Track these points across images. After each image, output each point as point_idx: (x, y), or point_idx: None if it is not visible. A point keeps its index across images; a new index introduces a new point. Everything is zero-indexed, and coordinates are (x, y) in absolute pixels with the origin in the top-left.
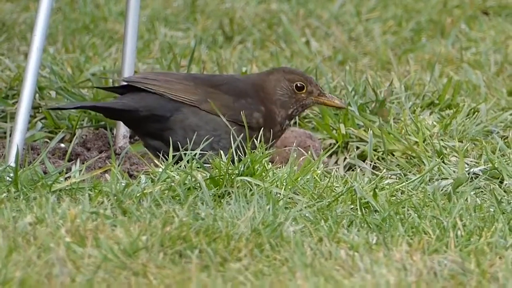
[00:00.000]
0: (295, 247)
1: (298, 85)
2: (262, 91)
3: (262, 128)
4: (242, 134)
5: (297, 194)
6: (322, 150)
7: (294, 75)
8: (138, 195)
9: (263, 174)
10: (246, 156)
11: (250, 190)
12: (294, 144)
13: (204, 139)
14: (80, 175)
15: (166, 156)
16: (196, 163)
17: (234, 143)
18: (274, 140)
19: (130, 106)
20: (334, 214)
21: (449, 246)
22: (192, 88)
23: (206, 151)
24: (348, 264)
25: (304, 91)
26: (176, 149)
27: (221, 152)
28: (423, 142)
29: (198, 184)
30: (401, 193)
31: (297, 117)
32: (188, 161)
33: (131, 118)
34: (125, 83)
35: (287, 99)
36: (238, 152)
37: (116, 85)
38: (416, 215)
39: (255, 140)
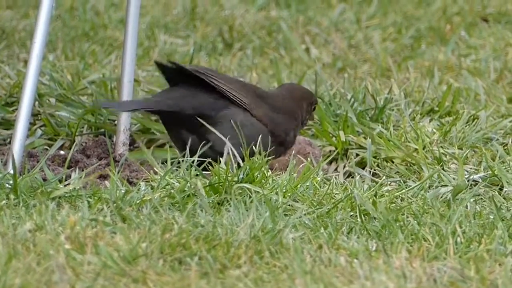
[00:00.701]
0: (294, 254)
1: (313, 107)
2: (294, 111)
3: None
4: (274, 147)
5: (297, 201)
6: (321, 157)
7: (314, 99)
8: (137, 202)
9: (263, 181)
10: (245, 163)
11: (250, 197)
12: (294, 151)
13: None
14: (76, 180)
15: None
16: (195, 170)
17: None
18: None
19: (182, 107)
20: (333, 221)
21: (448, 253)
22: (244, 92)
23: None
24: (347, 271)
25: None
26: (219, 145)
27: (221, 159)
28: (423, 149)
29: (198, 191)
30: (401, 200)
31: None
32: (187, 168)
33: (178, 117)
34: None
35: (305, 120)
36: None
37: (170, 65)
38: (415, 222)
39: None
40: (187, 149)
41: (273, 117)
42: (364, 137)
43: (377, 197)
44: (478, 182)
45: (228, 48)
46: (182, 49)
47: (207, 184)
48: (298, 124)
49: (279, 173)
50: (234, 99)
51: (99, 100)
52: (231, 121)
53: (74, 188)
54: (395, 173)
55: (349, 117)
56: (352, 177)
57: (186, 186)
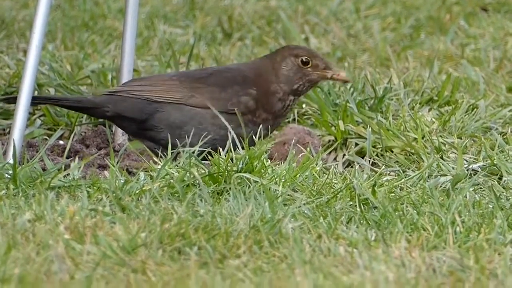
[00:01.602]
0: (294, 243)
1: (304, 59)
2: (264, 72)
3: (255, 110)
4: (232, 124)
5: (296, 191)
6: (321, 147)
7: (299, 50)
8: (137, 192)
9: (262, 170)
10: (244, 153)
11: (249, 187)
12: (293, 140)
13: (191, 134)
14: (75, 169)
15: (165, 154)
16: (195, 160)
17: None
18: (278, 119)
19: (97, 103)
20: (333, 210)
21: (448, 242)
22: (176, 87)
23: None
24: (347, 260)
25: (309, 65)
26: (165, 147)
27: (219, 148)
28: (422, 138)
29: (197, 181)
30: (400, 190)
31: (295, 114)
32: (186, 158)
33: (101, 115)
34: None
35: (293, 74)
36: (234, 141)
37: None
38: (415, 211)
39: (250, 122)
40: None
41: (216, 95)
42: (364, 127)
43: (377, 186)
44: (477, 171)
45: (227, 38)
46: (182, 39)
47: (207, 174)
48: (278, 82)
49: (278, 162)
50: (163, 100)
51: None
52: (165, 121)
53: (74, 178)
54: (394, 162)
55: (349, 106)
56: (352, 167)
57: (186, 176)
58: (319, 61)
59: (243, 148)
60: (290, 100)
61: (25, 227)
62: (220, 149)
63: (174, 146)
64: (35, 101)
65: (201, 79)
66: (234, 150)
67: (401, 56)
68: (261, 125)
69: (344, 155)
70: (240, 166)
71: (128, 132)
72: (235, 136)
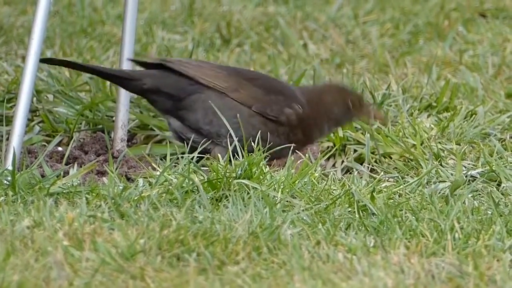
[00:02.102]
0: (292, 250)
1: (352, 101)
2: (314, 102)
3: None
4: (264, 127)
5: (295, 197)
6: (319, 153)
7: (352, 96)
8: (135, 198)
9: (261, 177)
10: (243, 159)
11: (248, 193)
12: (292, 147)
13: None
14: (72, 176)
15: (189, 142)
16: (194, 166)
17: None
18: (308, 144)
19: (134, 76)
20: (331, 217)
21: (446, 248)
22: (224, 76)
23: (224, 136)
24: (346, 267)
25: (354, 106)
26: (194, 129)
27: (219, 155)
28: (421, 145)
29: (196, 187)
30: (399, 196)
31: None
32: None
33: (136, 89)
34: (158, 63)
35: (341, 116)
36: (259, 144)
37: (149, 61)
38: (413, 218)
39: (283, 135)
40: (188, 142)
41: (259, 96)
42: (362, 133)
43: (375, 193)
44: (476, 177)
45: (226, 44)
46: (180, 45)
47: (205, 180)
48: (327, 120)
49: (277, 169)
50: (206, 83)
51: None
52: (202, 103)
53: (72, 185)
54: (393, 168)
55: None
56: (350, 173)
57: (185, 182)
58: (361, 102)
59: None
60: (327, 131)
61: (24, 234)
62: (219, 155)
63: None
64: (70, 65)
65: (249, 78)
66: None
67: (399, 62)
68: (292, 144)
69: (342, 161)
70: (239, 172)
71: (159, 107)
72: (261, 141)
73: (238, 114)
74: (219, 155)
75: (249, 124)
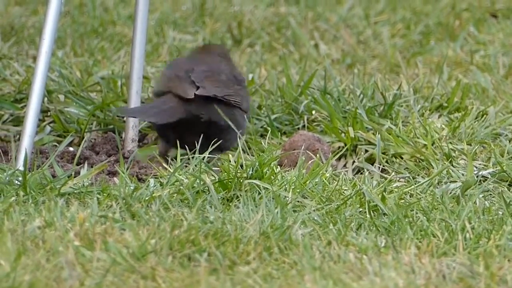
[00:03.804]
0: (303, 250)
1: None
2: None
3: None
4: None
5: (306, 197)
6: (330, 153)
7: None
8: (146, 198)
9: (272, 177)
10: (254, 159)
11: (259, 193)
12: (303, 147)
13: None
14: (84, 176)
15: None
16: (205, 166)
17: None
18: None
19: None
20: (342, 217)
21: (457, 249)
22: (235, 90)
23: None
24: (357, 267)
25: None
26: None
27: (230, 155)
28: (432, 145)
29: (207, 188)
30: (410, 196)
31: (305, 121)
32: (196, 165)
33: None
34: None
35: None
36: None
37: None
38: (424, 218)
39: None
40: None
41: (243, 94)
42: (373, 133)
43: (386, 193)
44: (487, 178)
45: (237, 44)
46: (191, 45)
47: (217, 180)
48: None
49: (288, 169)
50: (238, 105)
51: (123, 109)
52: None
53: (84, 185)
54: (404, 169)
55: (359, 113)
56: (361, 173)
57: (196, 182)
58: None
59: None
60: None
61: (35, 234)
62: (231, 155)
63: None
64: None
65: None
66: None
67: (410, 62)
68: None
69: (353, 161)
70: (250, 172)
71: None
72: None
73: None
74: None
75: (244, 125)
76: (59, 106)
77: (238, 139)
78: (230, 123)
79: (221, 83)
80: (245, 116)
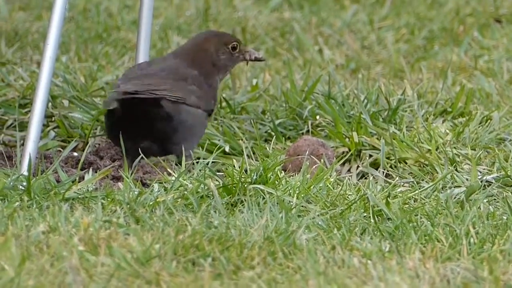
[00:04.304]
0: (308, 255)
1: (234, 45)
2: (201, 62)
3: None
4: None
5: (310, 202)
6: (334, 158)
7: (226, 37)
8: (151, 203)
9: (276, 182)
10: (258, 164)
11: (263, 198)
12: (307, 152)
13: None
14: (88, 181)
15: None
16: (209, 171)
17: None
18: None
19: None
20: (347, 222)
21: (462, 253)
22: (177, 86)
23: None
24: (361, 272)
25: (237, 50)
26: (177, 150)
27: (234, 160)
28: (436, 150)
29: (211, 193)
30: (414, 201)
31: (309, 126)
32: (200, 170)
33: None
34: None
35: (228, 62)
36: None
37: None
38: (429, 223)
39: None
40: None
41: (200, 93)
42: (377, 138)
43: (391, 198)
44: (491, 182)
45: None
46: None
47: (221, 185)
48: (216, 72)
49: (292, 174)
50: (177, 99)
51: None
52: (186, 126)
53: (88, 190)
54: (408, 174)
55: (363, 118)
56: (365, 178)
57: (200, 187)
58: (241, 44)
59: None
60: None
61: (39, 239)
62: (235, 160)
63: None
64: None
65: (181, 77)
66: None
67: (414, 67)
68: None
69: (358, 166)
70: (254, 177)
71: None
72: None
73: (201, 122)
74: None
75: (203, 126)
76: (63, 111)
77: (191, 141)
78: (155, 95)
79: (160, 81)
80: (204, 115)
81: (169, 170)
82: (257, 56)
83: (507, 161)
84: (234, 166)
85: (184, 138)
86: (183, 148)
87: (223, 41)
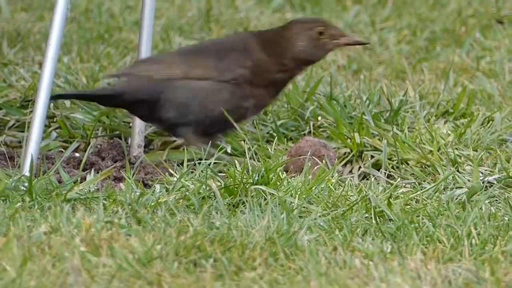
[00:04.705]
0: (309, 256)
1: (319, 30)
2: (276, 46)
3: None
4: (232, 94)
5: (312, 203)
6: (336, 159)
7: (311, 23)
8: (152, 204)
9: (278, 183)
10: (260, 165)
11: (265, 199)
12: (309, 153)
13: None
14: (90, 182)
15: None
16: (211, 172)
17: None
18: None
19: (117, 91)
20: (348, 223)
21: (463, 254)
22: (177, 63)
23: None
24: (362, 273)
25: (325, 35)
26: (169, 126)
27: (236, 161)
28: (438, 151)
29: (213, 193)
30: (416, 202)
31: (311, 127)
32: (202, 171)
33: (124, 103)
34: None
35: (311, 48)
36: (236, 111)
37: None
38: (430, 224)
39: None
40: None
41: (213, 66)
42: (379, 139)
43: (392, 199)
44: (493, 183)
45: None
46: None
47: (223, 186)
48: (293, 57)
49: (294, 175)
50: (168, 76)
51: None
52: (176, 103)
53: (89, 190)
54: (410, 175)
55: (365, 119)
56: (367, 179)
57: (202, 188)
58: (333, 29)
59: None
60: (297, 71)
61: (41, 240)
62: (237, 161)
63: (178, 125)
64: (57, 97)
65: (202, 52)
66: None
67: (416, 68)
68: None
69: (359, 167)
70: (256, 178)
71: (142, 118)
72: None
73: (205, 96)
74: (191, 139)
75: (216, 98)
76: (65, 112)
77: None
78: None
79: (158, 65)
80: (217, 86)
81: (170, 170)
82: (358, 40)
83: (509, 162)
84: (236, 167)
85: (182, 115)
86: (184, 132)
87: (306, 27)
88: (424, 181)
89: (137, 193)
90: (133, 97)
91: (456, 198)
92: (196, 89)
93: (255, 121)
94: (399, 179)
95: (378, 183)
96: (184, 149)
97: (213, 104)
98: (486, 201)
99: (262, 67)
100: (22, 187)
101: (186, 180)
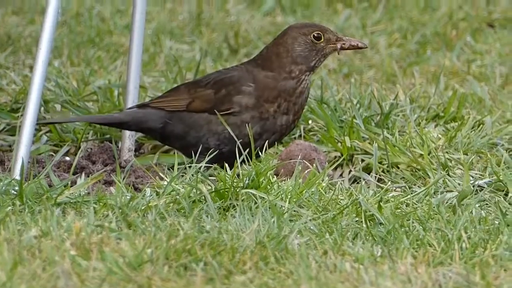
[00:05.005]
0: (300, 259)
1: (315, 35)
2: (276, 57)
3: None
4: (232, 125)
5: (302, 207)
6: (327, 163)
7: (307, 27)
8: (143, 208)
9: (268, 187)
10: (251, 169)
11: (255, 203)
12: (299, 157)
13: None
14: (80, 185)
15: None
16: (201, 175)
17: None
18: (292, 101)
19: (120, 119)
20: (339, 226)
21: (454, 258)
22: (183, 94)
23: (204, 155)
24: (353, 276)
25: (322, 40)
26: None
27: (226, 164)
28: (428, 154)
29: (203, 197)
30: (406, 206)
31: (301, 130)
32: (193, 174)
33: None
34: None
35: (308, 52)
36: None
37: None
38: (421, 227)
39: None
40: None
41: (211, 98)
42: (370, 143)
43: (383, 202)
44: (484, 187)
45: (233, 54)
46: (188, 55)
47: (213, 190)
48: (293, 64)
49: (284, 179)
50: (173, 108)
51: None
52: (175, 135)
53: (80, 194)
54: (400, 178)
55: (355, 122)
56: (358, 183)
57: (192, 192)
58: (330, 34)
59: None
60: (306, 78)
61: (31, 243)
62: (226, 165)
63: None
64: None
65: (205, 83)
66: (240, 155)
67: (407, 72)
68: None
69: (350, 171)
70: (247, 182)
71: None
72: (236, 139)
73: (198, 129)
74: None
75: (210, 131)
76: (55, 116)
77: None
78: None
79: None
80: (207, 117)
81: (161, 174)
82: (354, 44)
83: (499, 166)
84: (226, 171)
85: (182, 146)
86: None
87: (302, 31)
88: (415, 184)
89: (128, 197)
90: (142, 127)
91: (447, 202)
92: (190, 121)
93: (247, 124)
94: (389, 183)
95: (369, 187)
96: (174, 153)
97: (207, 134)
98: (477, 205)
99: (267, 81)
100: (13, 191)
101: (176, 184)
